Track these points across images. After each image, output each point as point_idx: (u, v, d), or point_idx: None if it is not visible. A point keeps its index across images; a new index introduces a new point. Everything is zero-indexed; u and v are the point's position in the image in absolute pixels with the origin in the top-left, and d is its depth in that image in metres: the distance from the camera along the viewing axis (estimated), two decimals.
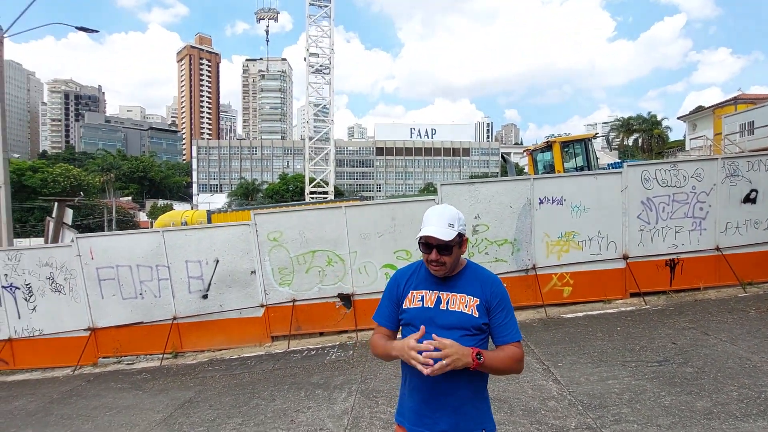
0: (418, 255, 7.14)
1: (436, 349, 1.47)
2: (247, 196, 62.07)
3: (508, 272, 6.87)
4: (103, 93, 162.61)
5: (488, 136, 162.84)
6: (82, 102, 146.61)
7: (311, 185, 32.42)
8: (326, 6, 30.26)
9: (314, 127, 35.30)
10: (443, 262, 1.63)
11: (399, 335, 1.81)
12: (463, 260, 1.79)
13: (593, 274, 6.81)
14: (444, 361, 1.43)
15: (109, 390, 5.67)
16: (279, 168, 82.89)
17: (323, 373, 5.19)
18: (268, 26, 33.16)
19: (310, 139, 32.98)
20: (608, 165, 12.44)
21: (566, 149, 10.98)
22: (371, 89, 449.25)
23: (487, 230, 6.85)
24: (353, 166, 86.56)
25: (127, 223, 51.54)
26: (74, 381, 6.37)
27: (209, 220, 15.37)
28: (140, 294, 7.26)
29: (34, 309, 7.42)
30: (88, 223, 48.73)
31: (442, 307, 1.66)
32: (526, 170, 14.89)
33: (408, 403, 1.64)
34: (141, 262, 7.20)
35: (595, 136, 11.52)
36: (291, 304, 7.06)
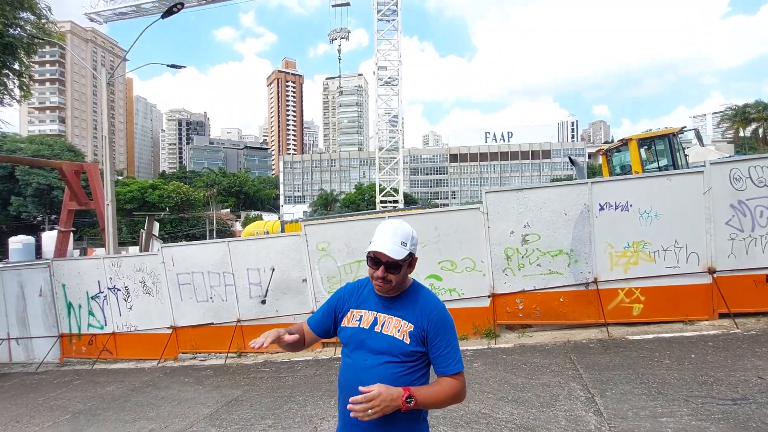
0: (463, 266, 6.90)
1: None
2: (326, 206, 65.59)
3: (564, 286, 6.28)
4: (208, 118, 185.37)
5: (573, 135, 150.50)
6: (191, 127, 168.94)
7: (382, 194, 33.15)
8: (393, 20, 31.05)
9: (390, 137, 36.20)
10: (389, 279, 1.59)
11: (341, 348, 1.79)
12: (409, 280, 1.72)
13: (670, 290, 5.90)
14: (370, 411, 1.39)
15: (177, 383, 6.39)
16: (356, 178, 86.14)
17: None
18: (340, 45, 35.12)
19: (381, 149, 33.84)
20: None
21: (646, 147, 9.69)
22: (446, 96, 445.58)
23: (538, 240, 6.34)
24: (427, 174, 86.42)
25: (225, 232, 57.53)
26: (155, 372, 7.29)
27: (282, 230, 16.55)
28: (211, 298, 8.08)
29: (130, 308, 8.68)
30: (194, 233, 55.65)
31: (377, 329, 1.62)
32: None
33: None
34: (211, 269, 8.01)
35: (682, 131, 9.97)
36: None
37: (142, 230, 11.64)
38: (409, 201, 53.15)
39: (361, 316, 1.67)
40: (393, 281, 1.60)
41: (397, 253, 1.55)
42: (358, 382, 1.48)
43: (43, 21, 9.80)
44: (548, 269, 6.33)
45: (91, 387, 6.74)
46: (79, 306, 9.08)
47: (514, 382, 4.53)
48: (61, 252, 15.83)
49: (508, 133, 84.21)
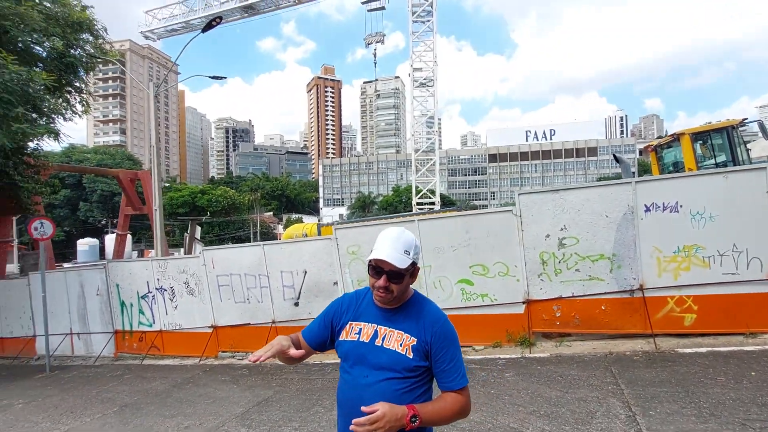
0: (495, 270, 6.65)
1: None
2: (363, 208, 66.20)
3: (605, 293, 5.89)
4: (253, 126, 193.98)
5: (622, 131, 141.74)
6: (237, 135, 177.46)
7: (418, 196, 32.98)
8: (428, 21, 30.85)
9: (426, 138, 36.06)
10: (391, 290, 1.54)
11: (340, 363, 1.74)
12: (410, 291, 1.65)
13: (727, 299, 5.36)
14: None
15: (215, 381, 6.66)
16: (393, 180, 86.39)
17: None
18: (375, 49, 35.47)
19: (416, 151, 33.70)
20: None
21: (701, 142, 8.86)
22: (484, 95, 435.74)
23: (576, 244, 6.00)
24: (466, 175, 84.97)
25: (267, 235, 59.63)
26: (195, 370, 7.65)
27: (319, 233, 16.89)
28: (247, 299, 8.36)
29: (175, 307, 9.17)
30: (239, 236, 58.18)
31: (377, 342, 1.56)
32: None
33: None
34: (248, 272, 8.29)
35: (743, 123, 8.97)
36: None
37: (186, 234, 12.37)
38: (447, 202, 52.44)
39: (360, 329, 1.62)
40: (395, 291, 1.54)
41: (401, 262, 1.49)
42: (358, 399, 1.44)
43: (100, 41, 10.64)
44: (588, 275, 5.97)
45: (138, 381, 7.18)
46: (131, 305, 9.72)
47: (547, 396, 4.29)
48: (118, 253, 17.12)
49: (551, 130, 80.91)
